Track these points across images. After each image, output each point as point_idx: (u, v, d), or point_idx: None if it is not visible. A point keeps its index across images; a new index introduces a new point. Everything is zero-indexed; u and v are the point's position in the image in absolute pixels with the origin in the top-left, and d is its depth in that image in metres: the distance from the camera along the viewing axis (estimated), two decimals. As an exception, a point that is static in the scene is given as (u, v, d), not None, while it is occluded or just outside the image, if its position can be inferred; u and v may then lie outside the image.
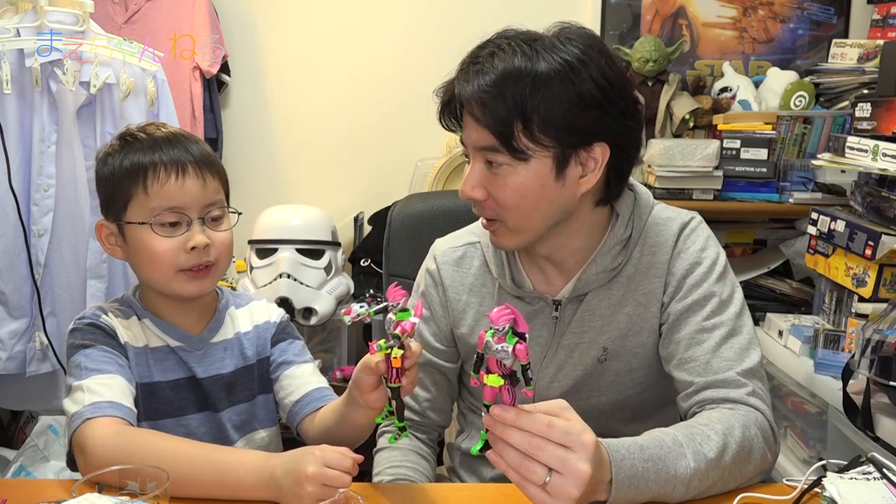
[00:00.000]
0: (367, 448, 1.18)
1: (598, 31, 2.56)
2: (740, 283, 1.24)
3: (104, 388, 1.08)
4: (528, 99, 1.07)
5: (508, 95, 1.07)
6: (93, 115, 2.02)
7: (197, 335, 1.21)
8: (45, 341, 2.01)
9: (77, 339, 1.14)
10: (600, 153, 1.12)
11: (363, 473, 1.04)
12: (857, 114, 1.82)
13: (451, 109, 1.17)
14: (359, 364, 1.04)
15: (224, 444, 1.20)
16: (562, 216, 1.16)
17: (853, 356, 1.46)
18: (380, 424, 1.26)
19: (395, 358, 0.96)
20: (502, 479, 0.93)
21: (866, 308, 1.70)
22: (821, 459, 1.09)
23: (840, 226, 1.78)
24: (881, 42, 2.22)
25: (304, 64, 2.69)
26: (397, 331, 0.95)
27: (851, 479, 1.02)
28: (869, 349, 1.39)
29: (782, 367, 1.87)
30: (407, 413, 1.26)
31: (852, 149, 1.81)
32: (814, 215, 1.90)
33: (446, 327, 1.31)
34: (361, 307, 0.99)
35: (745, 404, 1.10)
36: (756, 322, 1.93)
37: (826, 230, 1.84)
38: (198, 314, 1.23)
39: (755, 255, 2.45)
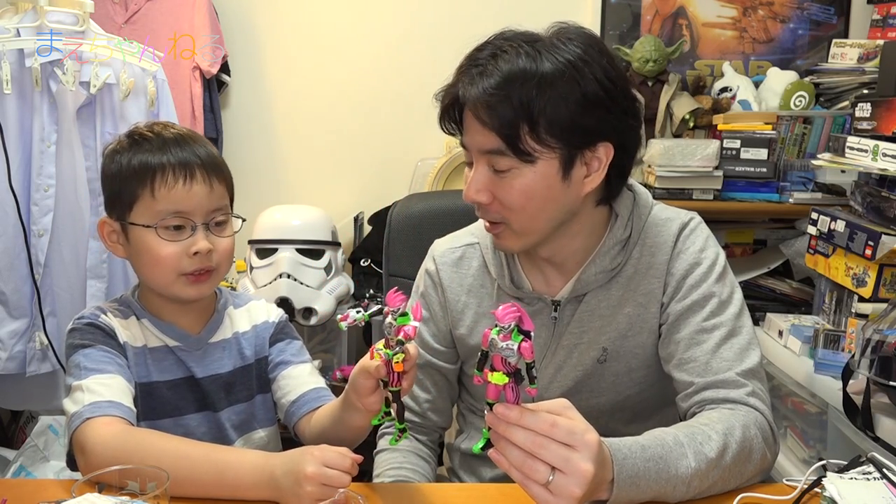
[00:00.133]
0: (366, 448, 1.18)
1: (598, 31, 2.56)
2: (740, 283, 1.24)
3: (104, 388, 1.08)
4: (534, 100, 1.06)
5: (515, 97, 1.06)
6: (93, 115, 2.02)
7: (195, 335, 1.21)
8: (45, 341, 2.01)
9: (76, 339, 1.14)
10: (604, 153, 1.12)
11: (363, 473, 1.04)
12: (857, 114, 1.82)
13: (453, 113, 1.15)
14: (356, 368, 1.03)
15: (223, 443, 1.20)
16: (566, 217, 1.16)
17: (853, 356, 1.46)
18: (379, 426, 1.25)
19: (398, 363, 0.96)
20: (502, 479, 0.93)
21: (866, 308, 1.70)
22: (821, 459, 1.09)
23: (840, 226, 1.78)
24: (881, 42, 2.22)
25: (303, 64, 2.70)
26: (401, 336, 0.95)
27: (851, 479, 1.02)
28: (869, 349, 1.39)
29: (782, 367, 1.87)
30: (407, 414, 1.26)
31: (852, 149, 1.80)
32: (814, 215, 1.90)
33: (445, 328, 1.31)
34: (358, 312, 0.99)
35: (744, 404, 1.10)
36: (756, 322, 1.94)
37: (826, 230, 1.84)
38: (196, 314, 1.23)
39: (755, 255, 2.45)
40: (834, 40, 2.45)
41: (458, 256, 1.31)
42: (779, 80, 2.40)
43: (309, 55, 2.69)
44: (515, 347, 0.83)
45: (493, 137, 1.08)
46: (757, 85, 2.45)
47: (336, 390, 1.22)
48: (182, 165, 1.13)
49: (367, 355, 1.01)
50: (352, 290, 2.44)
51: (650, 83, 2.44)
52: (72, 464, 1.11)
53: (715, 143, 2.23)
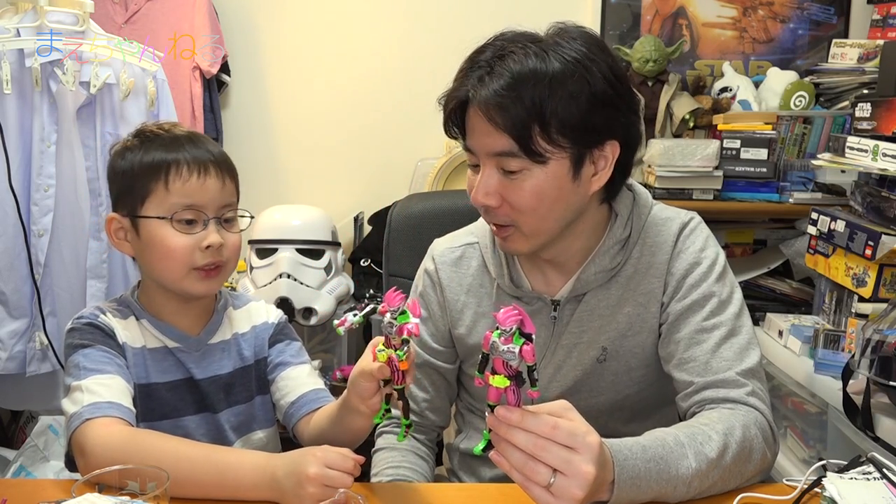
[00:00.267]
0: (366, 448, 1.18)
1: (598, 31, 2.56)
2: (740, 283, 1.24)
3: (103, 389, 1.08)
4: (546, 101, 1.05)
5: (526, 98, 1.05)
6: (93, 115, 2.03)
7: (195, 336, 1.21)
8: (45, 341, 2.01)
9: (75, 339, 1.14)
10: (611, 151, 1.12)
11: (362, 474, 1.04)
12: (857, 114, 1.82)
13: (457, 117, 1.13)
14: (355, 371, 1.03)
15: (222, 444, 1.19)
16: (573, 217, 1.15)
17: (853, 356, 1.46)
18: (378, 425, 1.25)
19: (402, 361, 0.96)
20: (502, 479, 0.93)
21: (866, 308, 1.70)
22: (821, 459, 1.09)
23: (840, 226, 1.77)
24: (881, 42, 2.22)
25: (304, 64, 2.70)
26: (404, 335, 0.95)
27: (851, 479, 1.02)
28: (869, 349, 1.39)
29: (782, 367, 1.87)
30: (407, 413, 1.26)
31: (852, 149, 1.80)
32: (814, 215, 1.90)
33: (444, 328, 1.31)
34: (354, 315, 0.99)
35: (744, 404, 1.10)
36: (756, 322, 1.94)
37: (826, 230, 1.84)
38: (196, 315, 1.22)
39: (755, 255, 2.45)
40: (834, 40, 2.45)
41: (458, 256, 1.31)
42: (779, 80, 2.40)
43: (309, 55, 2.69)
44: (517, 351, 0.83)
45: (505, 139, 1.07)
46: (757, 85, 2.45)
47: (336, 390, 1.22)
48: (196, 161, 1.14)
49: (364, 356, 1.01)
50: (352, 291, 2.44)
51: (650, 83, 2.44)
52: (70, 464, 1.11)
53: (715, 143, 2.23)
